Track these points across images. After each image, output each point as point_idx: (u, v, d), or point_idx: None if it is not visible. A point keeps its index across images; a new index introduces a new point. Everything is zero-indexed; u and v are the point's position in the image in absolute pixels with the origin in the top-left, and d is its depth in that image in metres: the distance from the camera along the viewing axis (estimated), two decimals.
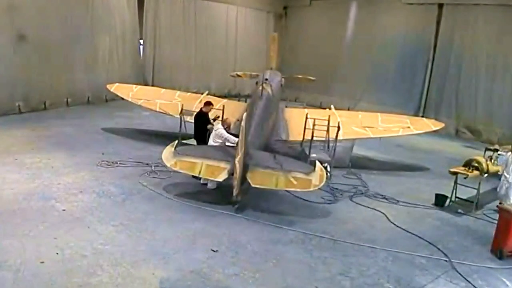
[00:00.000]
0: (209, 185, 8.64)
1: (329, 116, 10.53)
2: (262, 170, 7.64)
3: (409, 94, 19.47)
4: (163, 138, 11.27)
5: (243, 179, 7.44)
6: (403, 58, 19.64)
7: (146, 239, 6.44)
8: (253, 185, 7.49)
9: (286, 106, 12.23)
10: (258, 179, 7.51)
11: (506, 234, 6.80)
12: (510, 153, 8.83)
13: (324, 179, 7.52)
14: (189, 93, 13.83)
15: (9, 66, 13.79)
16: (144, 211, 7.42)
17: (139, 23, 19.69)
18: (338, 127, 10.21)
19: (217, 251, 6.25)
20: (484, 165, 8.87)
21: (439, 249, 6.94)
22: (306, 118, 10.39)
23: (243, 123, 7.65)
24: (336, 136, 10.20)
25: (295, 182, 7.43)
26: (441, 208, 8.92)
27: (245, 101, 12.80)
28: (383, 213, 8.29)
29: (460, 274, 6.20)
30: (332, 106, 12.24)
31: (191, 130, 10.41)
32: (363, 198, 9.06)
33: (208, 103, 10.11)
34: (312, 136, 9.98)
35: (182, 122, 10.73)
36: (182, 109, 10.56)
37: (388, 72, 20.19)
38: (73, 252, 5.84)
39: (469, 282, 6.03)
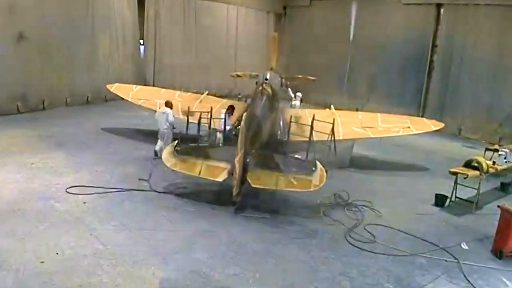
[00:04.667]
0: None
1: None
2: (262, 170, 7.64)
3: (410, 94, 19.48)
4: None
5: (243, 179, 7.44)
6: (404, 58, 19.64)
7: (146, 239, 6.44)
8: (253, 186, 7.49)
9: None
10: (258, 179, 7.50)
11: (506, 234, 6.80)
12: None
13: (325, 180, 7.51)
14: (189, 93, 13.81)
15: (9, 66, 13.77)
16: (144, 211, 7.43)
17: (139, 23, 19.69)
18: (312, 127, 10.07)
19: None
20: (484, 165, 8.87)
21: (445, 249, 6.94)
22: (290, 118, 10.46)
23: (243, 123, 7.64)
24: (311, 133, 10.07)
25: (295, 183, 7.43)
26: (441, 208, 8.93)
27: (245, 101, 12.79)
28: (381, 214, 8.29)
29: (464, 275, 6.19)
30: (332, 106, 12.23)
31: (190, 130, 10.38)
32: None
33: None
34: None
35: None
36: (189, 110, 10.52)
37: (390, 72, 20.19)
38: (73, 252, 5.84)
39: (469, 282, 6.03)
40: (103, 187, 8.22)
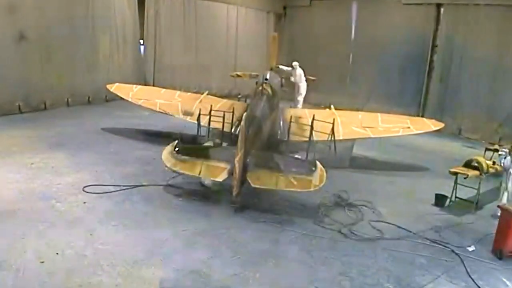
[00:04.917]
0: (207, 182, 8.52)
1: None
2: (262, 170, 7.64)
3: (410, 94, 19.48)
4: (163, 138, 11.25)
5: (243, 179, 7.44)
6: (404, 58, 19.62)
7: (146, 239, 6.44)
8: (253, 186, 7.49)
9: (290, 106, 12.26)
10: (258, 179, 7.50)
11: (506, 234, 6.80)
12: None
13: (325, 180, 7.51)
14: (189, 93, 13.81)
15: (10, 66, 13.75)
16: (144, 211, 7.43)
17: (139, 23, 19.69)
18: (312, 127, 10.14)
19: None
20: (484, 165, 8.87)
21: (449, 248, 6.95)
22: (291, 117, 10.52)
23: (243, 123, 7.65)
24: (311, 133, 10.18)
25: (295, 183, 7.43)
26: (441, 208, 8.93)
27: (245, 101, 12.79)
28: (381, 214, 8.29)
29: (468, 274, 6.20)
30: (332, 106, 12.23)
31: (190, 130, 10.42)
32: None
33: None
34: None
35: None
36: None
37: (390, 72, 20.18)
38: (73, 252, 5.84)
39: (469, 281, 6.03)
40: (114, 185, 8.29)
